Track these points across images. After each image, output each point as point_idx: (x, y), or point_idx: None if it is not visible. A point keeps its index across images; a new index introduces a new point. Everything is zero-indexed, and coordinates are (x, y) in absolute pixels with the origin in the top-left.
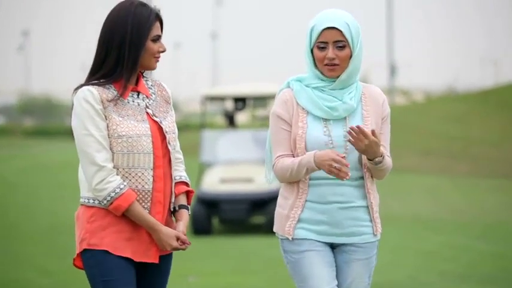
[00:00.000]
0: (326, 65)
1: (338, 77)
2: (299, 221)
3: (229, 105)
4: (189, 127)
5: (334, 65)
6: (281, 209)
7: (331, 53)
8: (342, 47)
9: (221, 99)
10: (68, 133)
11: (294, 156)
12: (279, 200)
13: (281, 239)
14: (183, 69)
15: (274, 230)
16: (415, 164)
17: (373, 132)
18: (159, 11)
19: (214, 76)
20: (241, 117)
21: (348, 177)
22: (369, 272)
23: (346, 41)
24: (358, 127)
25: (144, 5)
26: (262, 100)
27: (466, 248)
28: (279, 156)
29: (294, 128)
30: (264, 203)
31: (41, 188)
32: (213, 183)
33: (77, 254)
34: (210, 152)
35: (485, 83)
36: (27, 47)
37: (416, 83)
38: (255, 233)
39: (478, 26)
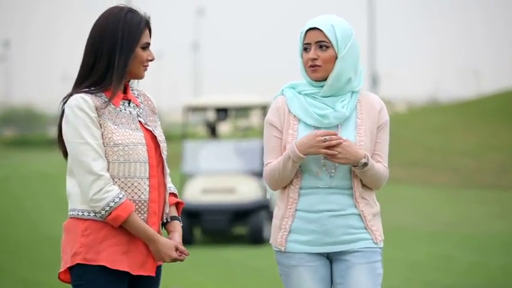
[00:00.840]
0: (310, 66)
1: (323, 80)
2: (290, 231)
3: (211, 115)
4: (171, 137)
5: (317, 66)
6: (276, 219)
7: (313, 53)
8: (325, 48)
9: (203, 109)
10: (50, 143)
11: None
12: (275, 210)
13: (275, 250)
14: (164, 79)
15: (270, 241)
16: (397, 175)
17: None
18: (149, 18)
19: (196, 86)
20: (223, 127)
21: (342, 139)
22: (377, 281)
23: (330, 42)
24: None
25: (134, 11)
26: (244, 111)
27: (453, 258)
28: (269, 162)
29: (284, 136)
30: (246, 214)
31: (22, 199)
32: (195, 193)
33: (65, 268)
34: (191, 162)
35: (467, 94)
36: (8, 57)
37: (398, 93)
38: (237, 243)
39: (460, 37)
